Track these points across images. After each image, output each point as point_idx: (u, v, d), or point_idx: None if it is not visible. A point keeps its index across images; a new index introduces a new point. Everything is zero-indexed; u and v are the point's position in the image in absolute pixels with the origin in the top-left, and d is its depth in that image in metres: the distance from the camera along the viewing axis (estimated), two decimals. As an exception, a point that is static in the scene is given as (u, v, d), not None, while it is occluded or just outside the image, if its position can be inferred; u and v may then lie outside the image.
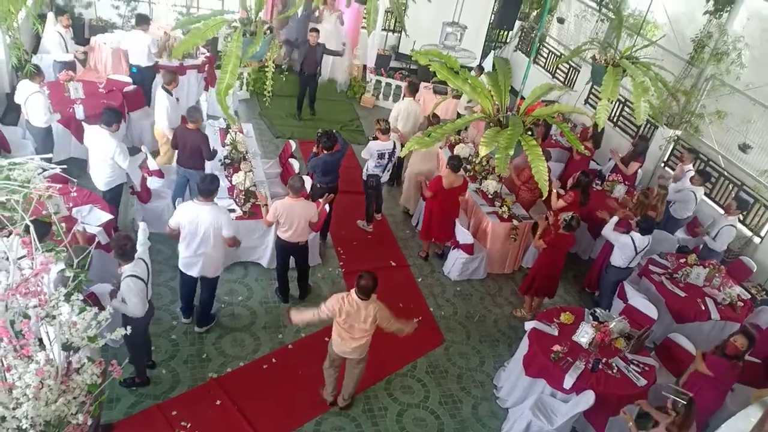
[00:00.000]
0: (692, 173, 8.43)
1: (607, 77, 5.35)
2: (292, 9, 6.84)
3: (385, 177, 8.04)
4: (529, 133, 4.61)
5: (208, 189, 5.44)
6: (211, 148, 7.01)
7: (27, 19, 8.71)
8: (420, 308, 7.12)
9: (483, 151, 4.18)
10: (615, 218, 7.17)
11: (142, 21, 8.91)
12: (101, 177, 6.54)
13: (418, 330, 6.68)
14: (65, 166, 5.03)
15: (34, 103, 6.89)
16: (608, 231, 7.05)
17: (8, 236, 3.28)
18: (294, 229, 6.16)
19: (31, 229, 3.33)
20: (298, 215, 6.09)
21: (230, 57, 4.49)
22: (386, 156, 7.70)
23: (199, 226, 5.41)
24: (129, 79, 9.10)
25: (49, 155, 5.74)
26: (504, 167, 4.11)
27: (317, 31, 10.22)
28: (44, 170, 4.10)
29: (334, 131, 7.30)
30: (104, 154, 6.38)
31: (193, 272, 5.67)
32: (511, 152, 4.08)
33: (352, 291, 4.94)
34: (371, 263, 7.25)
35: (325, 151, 7.09)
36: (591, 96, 11.84)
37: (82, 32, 10.88)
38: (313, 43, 10.08)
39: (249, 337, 6.18)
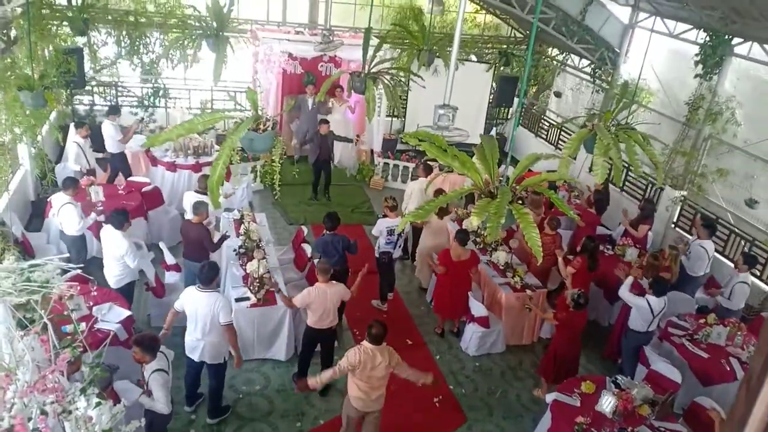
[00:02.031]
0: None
1: (574, 137, 5.72)
2: (287, 106, 7.18)
3: (396, 253, 8.18)
4: (520, 202, 4.77)
5: (207, 276, 5.60)
6: (215, 240, 7.23)
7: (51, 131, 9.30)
8: (439, 387, 7.02)
9: (475, 222, 4.35)
10: (630, 279, 7.15)
11: (111, 112, 9.72)
12: (112, 275, 6.77)
13: (440, 409, 6.66)
14: (83, 266, 5.23)
15: (66, 214, 7.24)
16: (624, 293, 7.02)
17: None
18: (326, 314, 6.23)
19: (49, 328, 3.49)
20: (330, 300, 6.18)
21: (223, 150, 4.79)
22: (395, 232, 7.88)
23: (198, 313, 5.56)
24: (147, 180, 9.56)
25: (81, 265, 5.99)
26: (495, 235, 4.26)
27: (327, 122, 10.74)
28: (65, 271, 4.28)
29: (338, 216, 7.43)
30: (116, 252, 6.63)
31: (195, 356, 5.76)
32: (502, 220, 4.23)
33: (365, 342, 5.10)
34: (388, 343, 7.21)
35: (327, 231, 7.28)
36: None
37: (102, 139, 11.52)
38: (324, 132, 10.56)
39: (267, 427, 6.13)
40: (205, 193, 7.73)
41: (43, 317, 3.49)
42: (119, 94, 12.44)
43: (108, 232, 6.69)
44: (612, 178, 5.95)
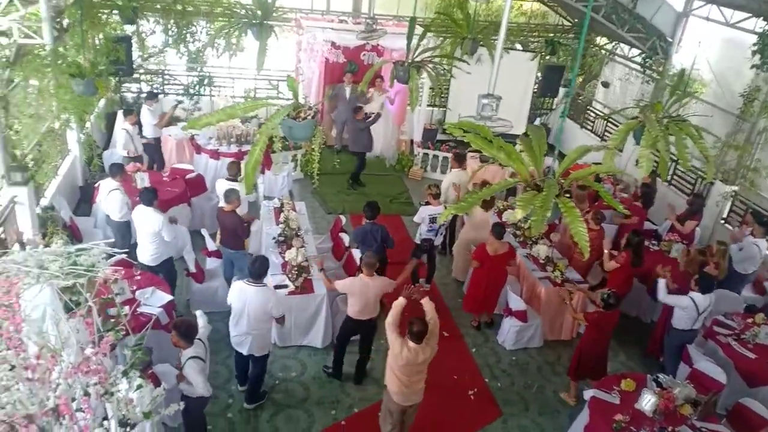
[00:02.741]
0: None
1: (621, 128, 5.54)
2: (326, 96, 7.13)
3: (438, 240, 8.15)
4: (567, 195, 4.65)
5: (257, 271, 5.66)
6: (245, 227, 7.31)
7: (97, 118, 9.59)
8: (475, 380, 6.99)
9: (519, 214, 4.26)
10: (662, 282, 6.88)
11: (149, 97, 10.00)
12: (148, 253, 6.92)
13: (474, 402, 6.62)
14: (127, 251, 5.36)
15: (113, 200, 7.45)
16: (663, 296, 6.80)
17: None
18: (368, 307, 6.25)
19: (94, 311, 3.60)
20: (372, 293, 6.19)
21: (261, 137, 4.82)
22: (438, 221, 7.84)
23: (247, 307, 5.62)
24: (191, 167, 9.75)
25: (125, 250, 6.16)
26: (540, 228, 4.18)
27: (361, 108, 10.76)
28: (110, 256, 4.40)
29: (378, 205, 7.48)
30: (149, 229, 6.78)
31: (243, 350, 5.85)
32: (548, 214, 4.13)
33: (407, 340, 5.08)
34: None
35: (367, 221, 7.32)
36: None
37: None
38: (359, 119, 10.61)
39: (303, 413, 6.21)
40: (235, 180, 7.86)
41: (88, 300, 3.59)
42: (165, 82, 12.69)
43: (140, 210, 6.86)
44: (658, 171, 5.75)
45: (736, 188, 9.58)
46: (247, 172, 4.83)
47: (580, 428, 5.71)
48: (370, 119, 10.82)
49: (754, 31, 9.44)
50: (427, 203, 8.05)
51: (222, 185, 8.05)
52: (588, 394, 5.85)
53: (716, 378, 6.14)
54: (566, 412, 6.65)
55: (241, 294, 5.67)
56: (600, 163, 9.63)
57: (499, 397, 6.78)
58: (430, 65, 9.02)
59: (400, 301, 5.36)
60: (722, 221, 9.84)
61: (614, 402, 5.68)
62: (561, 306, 7.64)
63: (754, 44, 9.30)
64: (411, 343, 5.06)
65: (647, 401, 5.58)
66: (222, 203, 8.05)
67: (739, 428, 5.84)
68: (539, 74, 13.61)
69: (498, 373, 7.16)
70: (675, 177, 10.90)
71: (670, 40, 11.66)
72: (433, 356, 5.21)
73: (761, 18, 9.25)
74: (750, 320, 7.12)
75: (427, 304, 5.45)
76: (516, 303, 7.34)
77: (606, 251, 7.50)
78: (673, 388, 5.74)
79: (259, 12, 10.06)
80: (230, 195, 7.16)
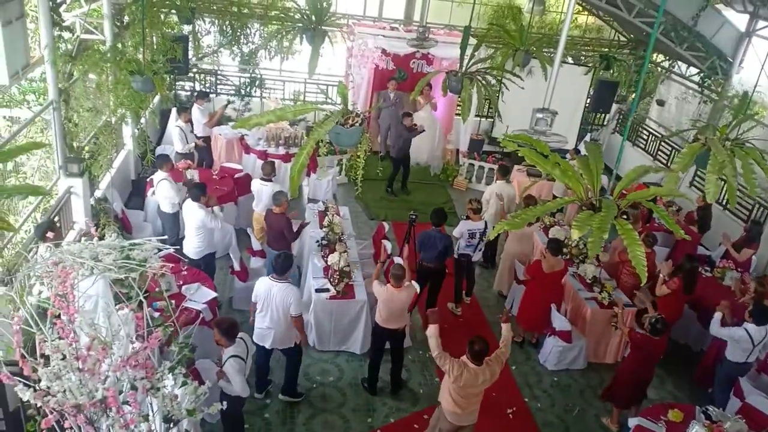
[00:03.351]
0: None
1: (685, 150, 5.34)
2: (377, 104, 7.15)
3: (476, 256, 8.03)
4: (624, 217, 4.50)
5: (282, 267, 5.72)
6: (295, 230, 7.33)
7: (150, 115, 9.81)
8: (514, 399, 6.83)
9: (575, 235, 4.13)
10: (717, 315, 6.59)
11: (200, 96, 10.14)
12: (192, 246, 7.04)
13: (513, 422, 6.47)
14: (177, 247, 5.43)
15: (163, 189, 7.59)
16: (716, 329, 6.50)
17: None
18: (394, 317, 6.22)
19: (144, 305, 3.62)
20: (400, 304, 6.17)
21: (309, 141, 4.82)
22: (477, 236, 7.74)
23: (270, 301, 5.68)
24: (240, 167, 9.88)
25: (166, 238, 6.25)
26: (597, 250, 4.04)
27: (410, 114, 10.70)
28: (160, 250, 4.44)
29: (445, 213, 7.68)
30: (195, 223, 6.91)
31: (267, 343, 5.88)
32: (605, 236, 4.00)
33: (467, 360, 5.01)
34: (462, 347, 7.06)
35: (434, 227, 7.38)
36: (696, 178, 11.36)
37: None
38: (408, 125, 10.54)
39: (339, 419, 6.17)
40: (270, 180, 7.93)
41: (139, 294, 3.62)
42: (218, 81, 12.92)
43: (187, 205, 7.01)
44: (726, 197, 5.53)
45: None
46: (292, 176, 4.84)
47: (623, 457, 5.51)
48: (418, 130, 10.75)
49: (823, 53, 9.02)
50: (467, 218, 7.92)
51: (256, 185, 8.13)
52: (633, 422, 5.66)
53: (770, 414, 5.85)
54: (608, 438, 6.45)
55: (264, 289, 5.74)
56: (657, 185, 9.43)
57: (539, 418, 6.61)
58: (482, 76, 8.93)
59: (432, 330, 5.29)
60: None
61: (660, 432, 5.47)
62: (607, 328, 7.44)
63: (822, 67, 8.88)
64: (471, 365, 5.00)
65: (695, 433, 5.35)
66: (256, 203, 8.16)
67: (792, 469, 5.55)
68: (591, 89, 13.36)
69: (538, 393, 6.99)
70: (706, 197, 10.49)
71: (730, 60, 11.31)
72: (493, 381, 5.14)
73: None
74: (809, 355, 6.78)
75: (506, 330, 5.45)
76: (560, 322, 7.16)
77: (661, 276, 7.25)
78: (724, 422, 5.49)
79: (313, 17, 10.14)
80: (279, 197, 7.21)
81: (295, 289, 5.85)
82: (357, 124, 6.22)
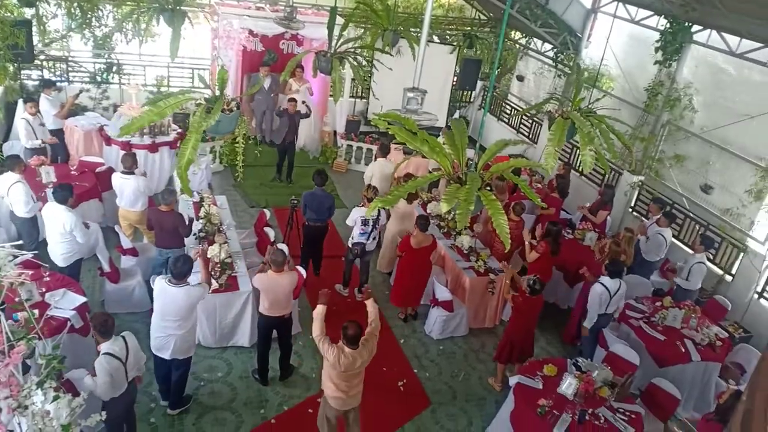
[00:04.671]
0: (657, 217, 8.64)
1: (555, 127, 5.70)
2: (255, 87, 7.04)
3: (371, 245, 7.96)
4: (489, 188, 4.76)
5: (180, 271, 5.40)
6: (187, 223, 7.04)
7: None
8: (404, 371, 7.05)
9: (444, 208, 4.33)
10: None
11: (46, 84, 9.40)
12: (59, 253, 6.52)
13: (404, 393, 6.68)
14: (36, 251, 4.98)
15: (15, 194, 6.88)
16: (592, 310, 7.04)
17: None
18: (278, 303, 6.10)
19: (2, 318, 3.31)
20: (282, 290, 6.06)
21: (191, 133, 4.62)
22: (370, 223, 7.73)
23: (171, 308, 5.37)
24: (101, 160, 9.21)
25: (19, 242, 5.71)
26: (465, 221, 4.25)
27: (295, 100, 10.51)
28: (15, 257, 4.07)
29: (326, 172, 8.06)
30: (61, 228, 6.39)
31: (166, 354, 5.53)
32: (472, 207, 4.21)
33: (343, 345, 5.00)
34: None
35: (317, 186, 7.80)
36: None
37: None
38: (292, 111, 10.34)
39: (230, 414, 6.03)
40: (132, 173, 7.55)
41: (-6, 308, 3.30)
42: (70, 69, 11.90)
43: (52, 207, 6.45)
44: (600, 166, 6.01)
45: (642, 178, 10.17)
46: (181, 174, 4.61)
47: (507, 414, 5.87)
48: (302, 113, 10.59)
49: (657, 28, 10.01)
50: (363, 205, 7.91)
51: (117, 179, 7.66)
52: (513, 380, 6.03)
53: (630, 360, 6.50)
54: (492, 398, 6.84)
55: (162, 294, 5.41)
56: (519, 156, 9.99)
57: (428, 387, 6.87)
58: (352, 56, 8.97)
59: (319, 310, 5.26)
60: (630, 210, 10.42)
61: (538, 387, 5.88)
62: (485, 295, 7.85)
63: (657, 41, 9.86)
64: (347, 349, 4.99)
65: (568, 385, 5.82)
66: (119, 198, 7.69)
67: (651, 407, 6.22)
68: (457, 68, 13.87)
69: (426, 363, 7.25)
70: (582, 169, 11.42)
71: (579, 35, 12.19)
72: (371, 358, 5.18)
73: (663, 16, 9.82)
74: (659, 303, 7.59)
75: (370, 306, 5.43)
76: (442, 293, 7.45)
77: (527, 242, 7.74)
78: (592, 372, 6.02)
79: (170, -4, 9.61)
80: (168, 196, 6.86)
81: (197, 288, 5.55)
82: (234, 109, 6.04)
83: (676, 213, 9.30)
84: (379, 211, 7.80)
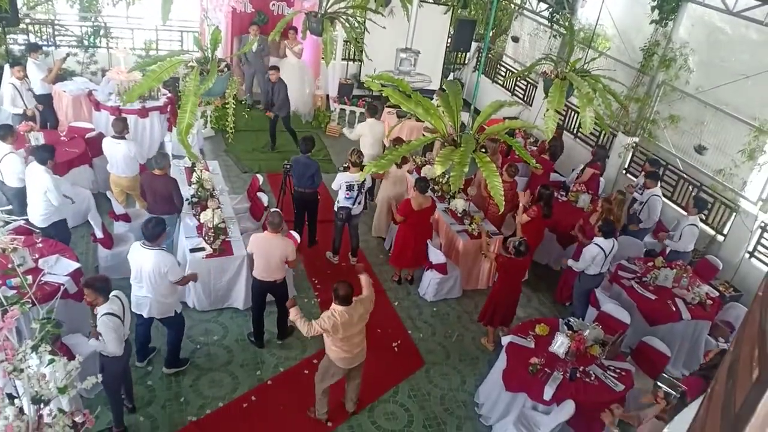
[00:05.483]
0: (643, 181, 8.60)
1: (554, 89, 5.61)
2: (247, 46, 6.92)
3: (356, 209, 7.92)
4: (483, 150, 4.74)
5: (151, 233, 5.38)
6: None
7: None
8: (398, 332, 7.13)
9: (438, 170, 4.31)
10: (571, 262, 7.33)
11: (31, 48, 9.17)
12: (37, 213, 6.46)
13: (398, 354, 6.77)
14: (27, 218, 4.97)
15: (9, 164, 6.80)
16: (578, 265, 7.11)
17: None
18: (268, 267, 6.11)
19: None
20: (274, 252, 6.06)
21: (188, 96, 4.56)
22: (355, 188, 7.67)
23: (142, 270, 5.39)
24: (91, 126, 9.10)
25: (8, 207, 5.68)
26: (459, 184, 4.25)
27: (277, 68, 10.28)
28: (7, 223, 4.05)
29: (314, 139, 7.97)
30: (39, 189, 6.35)
31: (144, 312, 5.60)
32: (466, 169, 4.20)
33: (335, 306, 5.03)
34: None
35: (302, 154, 7.69)
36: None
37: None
38: (273, 80, 10.14)
39: (227, 376, 6.11)
40: (123, 137, 7.48)
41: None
42: (56, 33, 11.67)
43: (32, 168, 6.40)
44: (599, 125, 5.97)
45: (636, 139, 10.14)
46: (182, 139, 4.56)
47: (499, 373, 5.96)
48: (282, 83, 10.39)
49: (653, -13, 9.82)
50: (346, 169, 7.84)
51: (108, 144, 7.58)
52: (505, 340, 6.11)
53: (621, 319, 6.59)
54: (485, 358, 6.95)
55: (136, 256, 5.43)
56: (513, 118, 9.90)
57: (422, 348, 6.96)
58: (344, 17, 8.81)
59: (293, 315, 5.16)
60: (624, 171, 10.41)
61: (529, 346, 5.97)
62: (478, 257, 7.89)
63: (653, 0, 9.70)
64: (340, 308, 5.01)
65: (560, 344, 5.91)
66: (110, 164, 7.63)
67: (642, 364, 6.34)
68: (452, 29, 13.64)
69: (420, 325, 7.34)
70: (580, 130, 11.36)
71: (575, -5, 11.97)
72: (369, 314, 5.26)
73: (660, -25, 9.64)
74: (650, 264, 7.65)
75: (364, 279, 5.46)
76: (436, 256, 7.49)
77: (521, 204, 7.74)
78: (583, 331, 6.11)
79: (158, -43, 9.34)
80: (162, 160, 6.82)
81: (167, 255, 5.55)
82: (225, 71, 5.95)
83: (670, 174, 9.31)
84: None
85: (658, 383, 5.02)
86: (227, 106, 7.47)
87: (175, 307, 5.73)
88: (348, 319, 5.04)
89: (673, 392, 4.82)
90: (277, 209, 7.30)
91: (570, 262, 7.28)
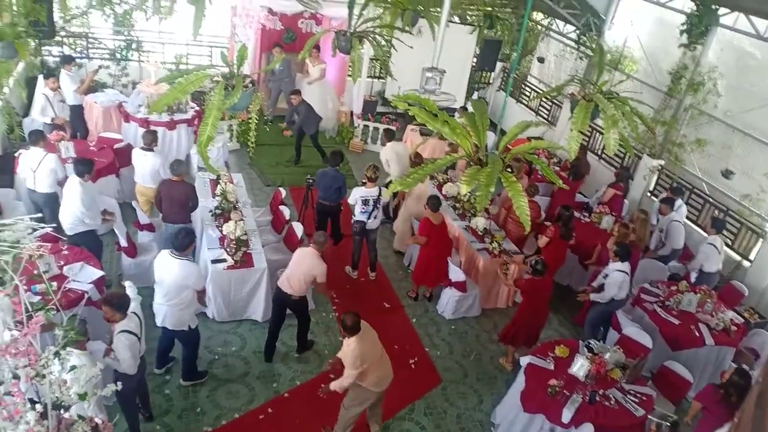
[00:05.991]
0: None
1: (579, 110, 5.59)
2: (271, 65, 7.00)
3: (373, 224, 7.94)
4: (509, 170, 4.73)
5: (183, 243, 5.50)
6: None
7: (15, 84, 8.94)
8: (415, 349, 7.10)
9: (464, 189, 4.30)
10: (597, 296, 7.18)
11: (65, 61, 9.36)
12: (66, 221, 6.57)
13: (415, 371, 6.73)
14: (54, 225, 5.08)
15: (46, 165, 6.98)
16: (608, 295, 6.98)
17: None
18: (291, 277, 6.15)
19: (21, 288, 3.38)
20: (302, 262, 6.13)
21: (211, 110, 4.65)
22: (371, 203, 7.74)
23: (166, 278, 5.48)
24: (120, 136, 9.30)
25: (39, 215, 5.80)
26: (485, 203, 4.23)
27: (298, 92, 10.43)
28: (34, 230, 4.14)
29: (342, 153, 8.24)
30: (72, 199, 6.47)
31: (158, 320, 5.68)
32: (492, 189, 4.19)
33: (348, 341, 5.09)
34: (364, 305, 7.25)
35: (330, 167, 7.95)
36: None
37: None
38: (295, 103, 10.29)
39: (243, 387, 6.14)
40: (151, 149, 7.62)
41: (14, 278, 3.37)
42: (90, 45, 11.98)
43: (71, 181, 6.54)
44: (624, 148, 5.93)
45: (662, 162, 10.03)
46: (201, 151, 4.64)
47: (517, 393, 5.90)
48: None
49: (683, 11, 9.78)
50: (364, 184, 7.88)
51: (137, 155, 7.74)
52: (524, 360, 6.05)
53: (643, 343, 6.48)
54: (503, 378, 6.87)
55: (163, 264, 5.53)
56: (538, 138, 9.89)
57: (439, 366, 6.92)
58: (372, 36, 8.91)
59: (333, 386, 5.28)
60: (649, 194, 10.30)
61: (549, 368, 5.90)
62: (497, 276, 7.84)
63: (683, 24, 9.65)
64: (353, 341, 5.05)
65: (579, 366, 5.83)
66: (137, 175, 7.77)
67: (663, 389, 6.21)
68: (477, 48, 13.71)
69: (438, 342, 7.30)
70: (604, 151, 11.29)
71: (603, 17, 11.96)
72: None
73: (689, -2, 9.61)
74: (674, 288, 7.52)
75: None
76: (456, 274, 7.46)
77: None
78: (604, 354, 6.02)
79: (191, -26, 9.57)
80: (178, 167, 6.95)
81: (193, 265, 5.66)
82: (249, 86, 6.05)
83: (696, 198, 9.18)
84: (380, 190, 7.81)
85: (650, 416, 5.07)
86: (250, 120, 7.59)
87: (190, 322, 5.77)
88: (368, 343, 5.10)
89: (664, 422, 4.85)
90: (295, 225, 7.37)
91: (593, 296, 7.13)
